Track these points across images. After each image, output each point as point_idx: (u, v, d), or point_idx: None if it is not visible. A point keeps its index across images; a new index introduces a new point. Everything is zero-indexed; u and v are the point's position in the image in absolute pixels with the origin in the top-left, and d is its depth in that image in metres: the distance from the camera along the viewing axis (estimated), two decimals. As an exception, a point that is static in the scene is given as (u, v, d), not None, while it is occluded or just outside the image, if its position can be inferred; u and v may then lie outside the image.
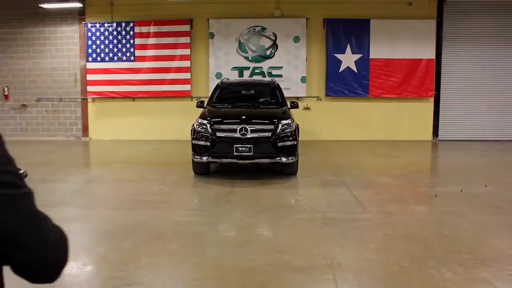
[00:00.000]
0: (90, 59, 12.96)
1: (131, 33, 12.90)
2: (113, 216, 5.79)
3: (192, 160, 7.95)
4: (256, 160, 7.66)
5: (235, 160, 7.68)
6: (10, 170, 1.00)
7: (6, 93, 13.42)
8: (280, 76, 12.69)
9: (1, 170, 0.98)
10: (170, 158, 9.85)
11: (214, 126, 7.76)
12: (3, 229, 0.95)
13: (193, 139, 7.84)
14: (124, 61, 12.87)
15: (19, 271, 1.02)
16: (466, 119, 13.12)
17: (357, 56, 12.76)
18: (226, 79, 10.80)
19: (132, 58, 12.87)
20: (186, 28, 12.83)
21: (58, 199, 6.61)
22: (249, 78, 12.59)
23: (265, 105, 9.17)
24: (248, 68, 12.92)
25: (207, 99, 9.56)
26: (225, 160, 7.80)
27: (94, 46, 12.98)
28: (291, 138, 7.73)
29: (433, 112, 13.11)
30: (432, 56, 12.74)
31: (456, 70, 12.99)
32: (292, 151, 7.74)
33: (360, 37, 12.70)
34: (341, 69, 12.82)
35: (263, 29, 12.85)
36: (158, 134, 12.77)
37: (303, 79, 12.88)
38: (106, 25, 12.94)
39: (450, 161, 10.28)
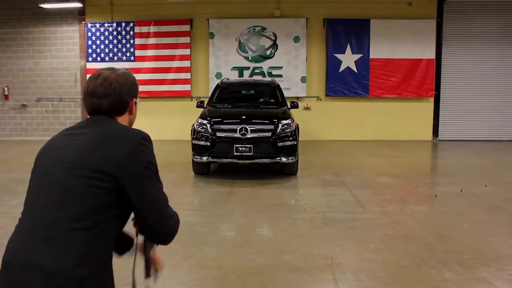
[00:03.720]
0: (90, 59, 12.97)
1: (131, 33, 12.90)
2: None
3: (192, 160, 7.95)
4: (256, 160, 7.66)
5: (235, 160, 7.69)
6: (155, 163, 1.66)
7: (6, 93, 13.41)
8: (280, 76, 12.69)
9: (152, 161, 1.64)
10: (170, 158, 9.85)
11: (214, 126, 7.76)
12: (143, 193, 1.59)
13: (193, 139, 7.84)
14: (124, 61, 12.86)
15: (144, 229, 1.68)
16: (466, 119, 13.12)
17: (357, 56, 12.76)
18: (226, 79, 10.80)
19: (132, 58, 12.88)
20: (186, 28, 12.83)
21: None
22: (249, 78, 12.59)
23: (265, 105, 9.17)
24: (248, 68, 12.92)
25: (207, 99, 9.56)
26: (225, 160, 7.80)
27: (94, 46, 12.99)
28: (291, 138, 7.73)
29: (433, 112, 13.11)
30: (432, 56, 12.74)
31: (456, 70, 12.99)
32: (292, 151, 7.74)
33: (360, 37, 12.71)
34: (341, 69, 12.82)
35: (263, 29, 12.85)
36: (158, 134, 12.66)
37: (303, 79, 12.88)
38: (106, 25, 12.94)
39: (450, 161, 10.28)
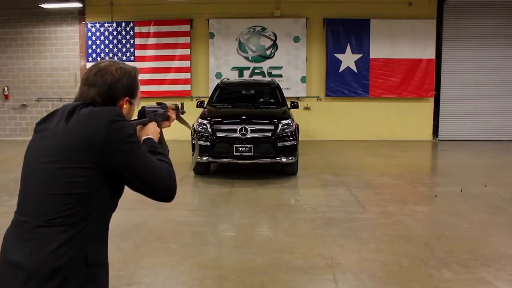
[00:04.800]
0: (90, 59, 12.97)
1: (131, 33, 12.90)
2: (113, 216, 5.77)
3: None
4: (256, 160, 7.66)
5: (235, 160, 7.68)
6: (133, 134, 1.64)
7: (6, 93, 13.42)
8: (280, 76, 12.70)
9: (130, 133, 1.61)
10: (170, 158, 9.85)
11: (214, 126, 7.76)
12: (132, 169, 1.58)
13: (193, 139, 7.84)
14: (124, 61, 12.68)
15: (142, 194, 1.67)
16: (466, 119, 13.12)
17: (357, 56, 12.77)
18: (226, 79, 10.80)
19: (132, 58, 12.88)
20: (186, 28, 12.84)
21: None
22: (249, 78, 12.59)
23: (265, 105, 9.17)
24: (248, 68, 12.93)
25: (207, 99, 9.56)
26: (225, 160, 7.79)
27: (94, 46, 12.99)
28: (291, 138, 7.73)
29: (433, 112, 13.12)
30: (432, 56, 12.75)
31: (456, 70, 12.99)
32: (292, 151, 7.74)
33: (360, 37, 12.71)
34: (341, 69, 12.82)
35: (263, 29, 12.85)
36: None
37: (303, 79, 12.88)
38: (106, 25, 12.94)
39: (450, 161, 10.28)
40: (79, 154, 1.53)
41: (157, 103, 1.99)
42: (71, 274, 1.49)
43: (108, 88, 1.67)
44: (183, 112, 2.13)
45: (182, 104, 2.15)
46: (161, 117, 1.93)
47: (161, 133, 1.89)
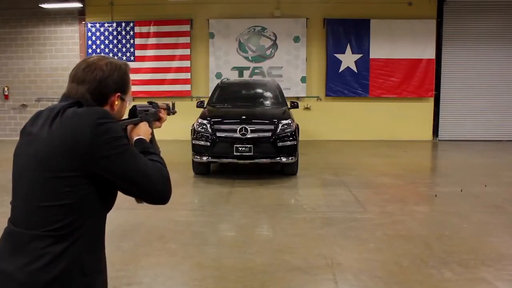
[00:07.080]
0: (90, 59, 12.96)
1: (131, 33, 12.91)
2: (113, 216, 5.75)
3: (192, 160, 7.95)
4: (256, 160, 7.66)
5: (235, 160, 7.68)
6: (121, 135, 1.53)
7: (6, 93, 13.42)
8: (280, 76, 12.70)
9: (118, 136, 1.50)
10: (170, 158, 9.84)
11: (214, 126, 7.76)
12: (122, 172, 1.49)
13: (193, 139, 7.84)
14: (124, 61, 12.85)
15: (135, 197, 1.57)
16: (466, 119, 13.13)
17: (357, 56, 12.77)
18: (226, 79, 10.80)
19: (132, 58, 12.88)
20: (186, 28, 12.84)
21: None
22: (249, 78, 12.59)
23: (265, 105, 9.16)
24: (248, 68, 12.93)
25: (207, 99, 9.56)
26: (225, 160, 7.79)
27: (94, 46, 12.99)
28: (291, 138, 7.73)
29: (433, 112, 13.12)
30: (432, 56, 12.75)
31: (456, 70, 13.00)
32: (292, 151, 7.74)
33: (360, 37, 12.71)
34: (341, 69, 12.82)
35: (263, 29, 12.85)
36: (157, 134, 12.67)
37: (303, 79, 12.88)
38: (106, 25, 12.95)
39: (450, 161, 10.28)
40: (63, 162, 1.44)
41: (148, 102, 1.92)
42: (68, 286, 1.44)
43: (98, 84, 1.58)
44: (174, 112, 2.06)
45: (173, 104, 2.08)
46: (152, 117, 1.87)
47: (152, 134, 1.82)
